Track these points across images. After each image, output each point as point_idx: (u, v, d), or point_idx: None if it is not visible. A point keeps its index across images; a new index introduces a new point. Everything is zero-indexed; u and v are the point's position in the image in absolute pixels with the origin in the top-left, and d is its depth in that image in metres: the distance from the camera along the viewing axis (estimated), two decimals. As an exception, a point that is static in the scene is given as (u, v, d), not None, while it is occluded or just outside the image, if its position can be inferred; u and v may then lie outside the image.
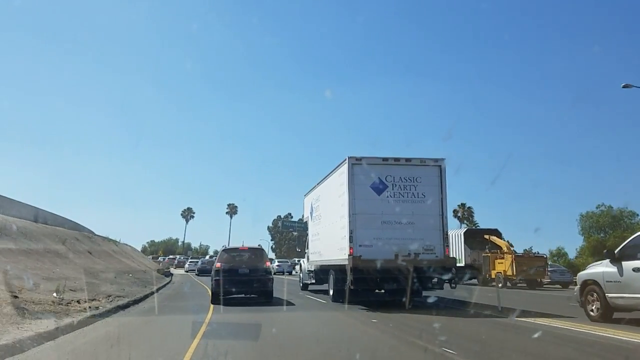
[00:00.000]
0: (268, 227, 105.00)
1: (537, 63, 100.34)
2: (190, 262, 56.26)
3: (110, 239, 41.31)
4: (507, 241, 32.64)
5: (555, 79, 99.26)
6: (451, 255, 15.18)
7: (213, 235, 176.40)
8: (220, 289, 15.36)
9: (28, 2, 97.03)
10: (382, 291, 16.26)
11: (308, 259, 21.84)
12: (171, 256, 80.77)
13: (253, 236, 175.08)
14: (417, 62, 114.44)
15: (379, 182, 14.74)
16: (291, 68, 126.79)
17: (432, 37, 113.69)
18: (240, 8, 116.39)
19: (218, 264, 16.39)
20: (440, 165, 14.95)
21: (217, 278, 15.79)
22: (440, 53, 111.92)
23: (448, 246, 14.76)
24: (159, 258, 79.49)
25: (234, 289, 15.61)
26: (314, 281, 21.21)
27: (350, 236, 14.38)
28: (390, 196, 14.71)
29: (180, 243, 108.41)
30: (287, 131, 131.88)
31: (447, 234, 14.74)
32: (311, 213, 20.83)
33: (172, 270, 49.77)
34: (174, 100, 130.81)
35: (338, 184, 15.63)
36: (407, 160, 14.97)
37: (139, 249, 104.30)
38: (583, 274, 12.03)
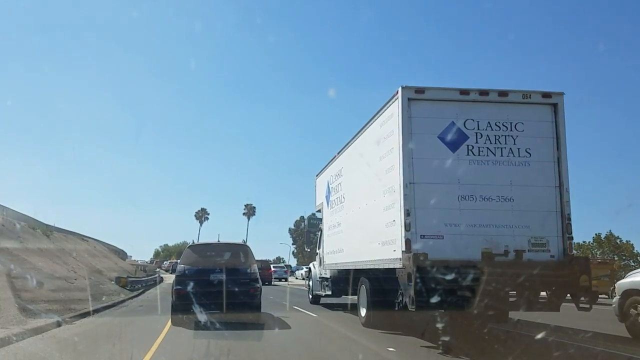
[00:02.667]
0: (289, 229, 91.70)
1: (541, 62, 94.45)
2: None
3: (40, 223, 28.05)
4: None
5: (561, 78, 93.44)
6: (576, 254, 9.13)
7: (229, 238, 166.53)
8: (183, 302, 11.07)
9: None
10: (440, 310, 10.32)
11: (321, 261, 15.81)
12: (171, 260, 72.16)
13: (273, 239, 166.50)
14: (424, 61, 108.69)
15: (453, 130, 8.77)
16: (309, 69, 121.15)
17: (437, 37, 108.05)
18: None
19: (181, 267, 11.73)
20: (555, 104, 8.97)
21: (179, 287, 11.29)
22: (445, 53, 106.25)
23: (571, 239, 8.72)
24: (163, 262, 72.75)
25: (203, 303, 10.83)
26: (329, 292, 15.19)
27: (405, 221, 8.38)
28: (473, 153, 8.75)
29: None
30: (307, 133, 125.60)
31: (569, 219, 8.71)
32: (327, 196, 14.81)
33: (163, 274, 42.69)
34: (185, 100, 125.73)
35: (382, 137, 9.61)
36: (501, 94, 8.97)
37: (151, 254, 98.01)
38: (624, 283, 10.17)
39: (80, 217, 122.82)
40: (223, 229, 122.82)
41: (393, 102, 8.97)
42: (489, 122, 8.83)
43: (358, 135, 11.34)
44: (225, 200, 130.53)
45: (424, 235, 8.44)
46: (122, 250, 63.98)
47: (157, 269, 52.86)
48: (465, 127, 8.77)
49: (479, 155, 8.74)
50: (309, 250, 20.63)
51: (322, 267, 15.75)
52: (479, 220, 8.57)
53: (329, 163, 14.71)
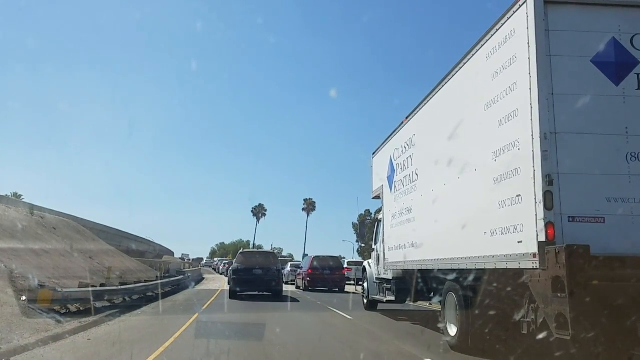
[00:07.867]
0: (353, 224, 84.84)
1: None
2: (225, 264, 42.26)
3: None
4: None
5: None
6: None
7: (288, 235, 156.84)
8: (237, 286, 17.65)
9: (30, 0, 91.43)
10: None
11: (380, 258, 12.77)
12: (221, 259, 67.98)
13: (335, 236, 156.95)
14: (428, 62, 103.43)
15: (616, 50, 5.60)
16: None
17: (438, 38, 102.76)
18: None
19: (236, 264, 18.53)
20: None
21: (235, 277, 17.95)
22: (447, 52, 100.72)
23: None
24: (213, 260, 70.18)
25: (248, 287, 17.75)
26: (391, 297, 12.15)
27: (545, 194, 5.27)
28: (649, 88, 5.56)
29: (251, 245, 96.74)
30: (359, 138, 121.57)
31: None
32: (390, 177, 11.75)
33: (209, 275, 39.63)
34: (243, 100, 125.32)
35: (492, 71, 6.47)
36: None
37: (207, 252, 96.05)
38: None
39: (142, 218, 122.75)
40: (281, 226, 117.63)
41: (516, 10, 5.83)
42: (671, 39, 5.63)
43: (446, 81, 8.23)
44: (283, 195, 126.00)
45: (574, 218, 5.33)
46: (167, 249, 62.14)
47: (199, 267, 50.13)
48: (633, 46, 5.61)
49: (658, 90, 5.55)
50: (363, 245, 17.66)
51: (381, 266, 12.71)
52: (661, 194, 5.40)
53: (391, 134, 11.67)
